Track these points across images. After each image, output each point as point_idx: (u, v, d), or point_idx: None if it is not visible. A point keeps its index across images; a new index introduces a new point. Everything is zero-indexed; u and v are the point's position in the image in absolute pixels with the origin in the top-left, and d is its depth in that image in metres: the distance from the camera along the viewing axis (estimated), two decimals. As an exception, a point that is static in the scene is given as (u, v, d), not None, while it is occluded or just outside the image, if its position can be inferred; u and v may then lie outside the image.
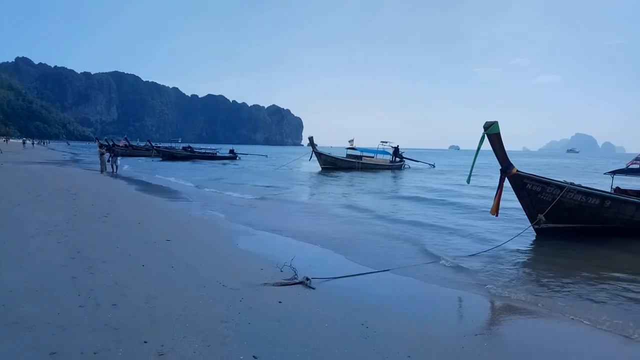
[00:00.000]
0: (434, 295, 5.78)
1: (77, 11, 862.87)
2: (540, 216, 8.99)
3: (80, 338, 3.57)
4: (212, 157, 52.82)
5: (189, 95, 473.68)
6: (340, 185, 24.19)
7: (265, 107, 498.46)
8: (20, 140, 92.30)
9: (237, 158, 54.86)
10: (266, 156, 61.92)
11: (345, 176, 29.82)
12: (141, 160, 45.93)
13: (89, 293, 4.62)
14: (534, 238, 9.47)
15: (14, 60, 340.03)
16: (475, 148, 8.41)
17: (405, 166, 43.21)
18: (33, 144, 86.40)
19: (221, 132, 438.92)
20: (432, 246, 8.61)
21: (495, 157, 8.62)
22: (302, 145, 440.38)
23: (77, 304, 4.31)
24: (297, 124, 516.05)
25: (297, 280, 5.68)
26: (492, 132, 8.12)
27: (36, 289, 4.65)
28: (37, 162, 31.76)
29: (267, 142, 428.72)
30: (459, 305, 5.56)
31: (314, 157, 36.64)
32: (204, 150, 56.57)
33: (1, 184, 14.32)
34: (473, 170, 9.24)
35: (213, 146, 71.78)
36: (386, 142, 41.90)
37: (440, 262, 7.36)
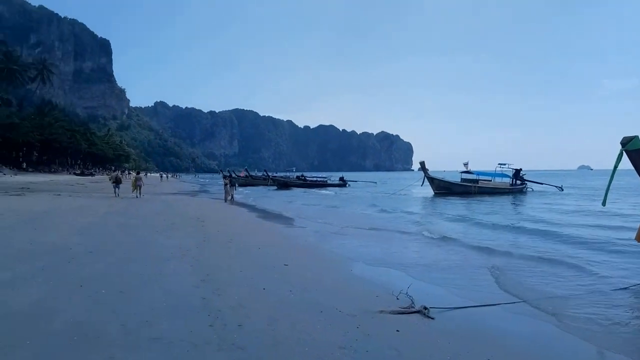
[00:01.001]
0: (566, 339, 5.18)
1: (203, 58, 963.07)
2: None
3: (211, 356, 3.81)
4: (323, 184, 54.27)
5: (302, 127, 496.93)
6: (456, 210, 23.19)
7: (374, 133, 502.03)
8: (158, 174, 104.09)
9: (347, 185, 55.71)
10: (375, 183, 61.86)
11: (460, 201, 28.58)
12: (259, 189, 48.85)
13: (217, 314, 4.94)
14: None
15: (153, 105, 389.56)
16: (612, 167, 7.46)
17: (528, 189, 40.16)
18: (167, 177, 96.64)
19: (332, 160, 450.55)
20: (568, 280, 7.78)
21: (637, 177, 7.57)
22: (413, 170, 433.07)
23: (207, 323, 4.63)
24: (407, 149, 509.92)
25: (414, 309, 5.49)
26: (631, 148, 7.11)
27: (173, 308, 5.10)
28: (171, 193, 35.44)
29: (377, 168, 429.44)
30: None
31: (427, 182, 35.69)
32: (315, 179, 58.40)
33: (145, 213, 16.18)
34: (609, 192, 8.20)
35: (324, 174, 73.80)
36: (504, 164, 39.37)
37: (580, 299, 6.61)
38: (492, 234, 13.77)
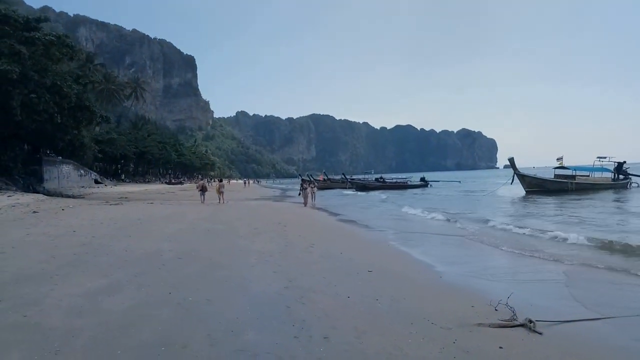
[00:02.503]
0: None
1: (280, 67, 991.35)
2: None
3: (297, 371, 3.59)
4: (403, 186, 53.10)
5: (378, 128, 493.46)
6: (552, 210, 21.42)
7: (455, 131, 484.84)
8: (242, 181, 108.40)
9: (429, 185, 54.00)
10: (459, 182, 59.31)
11: (555, 200, 26.43)
12: (337, 192, 48.82)
13: (302, 324, 4.74)
14: None
15: (234, 115, 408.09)
16: None
17: (633, 184, 36.28)
18: (249, 183, 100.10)
19: (410, 161, 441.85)
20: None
21: None
22: (497, 167, 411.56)
23: (292, 334, 4.44)
24: (491, 146, 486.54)
25: (517, 322, 4.89)
26: None
27: (257, 317, 4.98)
28: (254, 198, 36.51)
29: (459, 167, 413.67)
30: None
31: (517, 180, 33.44)
32: (395, 180, 57.29)
33: (229, 219, 16.64)
34: None
35: (403, 175, 72.24)
36: (604, 158, 35.73)
37: None
38: (600, 235, 12.37)
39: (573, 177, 34.09)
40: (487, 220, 16.51)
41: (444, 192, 41.52)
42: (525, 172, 34.90)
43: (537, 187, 32.95)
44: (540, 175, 34.80)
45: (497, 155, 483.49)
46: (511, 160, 32.97)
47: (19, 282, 6.13)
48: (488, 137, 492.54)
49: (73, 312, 4.90)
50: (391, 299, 5.92)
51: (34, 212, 16.58)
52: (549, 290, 6.80)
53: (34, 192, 27.45)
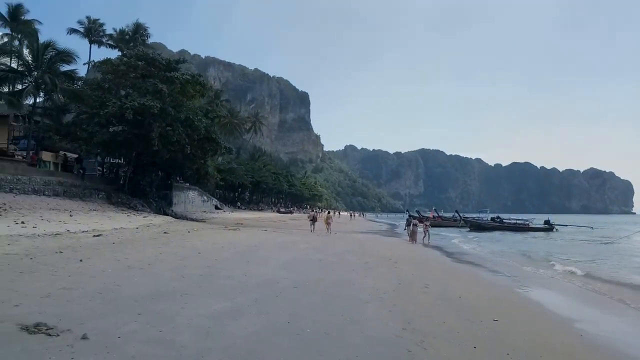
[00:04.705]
0: None
1: (389, 103, 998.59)
2: None
3: None
4: (523, 228, 48.91)
5: (492, 165, 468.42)
6: None
7: (581, 170, 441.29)
8: (348, 213, 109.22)
9: (554, 230, 49.10)
10: (592, 228, 52.83)
11: None
12: (450, 230, 46.50)
13: (427, 372, 4.39)
14: None
15: (343, 148, 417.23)
16: None
17: None
18: (354, 215, 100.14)
19: (528, 201, 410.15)
20: None
21: None
22: (634, 213, 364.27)
23: (417, 382, 4.12)
24: (625, 188, 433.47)
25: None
26: None
27: (377, 357, 4.74)
28: (360, 231, 36.38)
29: (585, 210, 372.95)
30: None
31: None
32: (514, 221, 53.12)
33: (339, 251, 16.69)
34: None
35: (521, 216, 66.76)
36: None
37: None
38: None
39: None
40: None
41: (578, 239, 37.36)
42: None
43: None
44: None
45: (634, 199, 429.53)
46: None
47: (155, 298, 6.61)
48: (622, 178, 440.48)
49: (201, 332, 5.11)
50: (525, 356, 5.28)
51: (165, 232, 18.22)
52: None
53: (164, 214, 30.41)
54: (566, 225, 53.45)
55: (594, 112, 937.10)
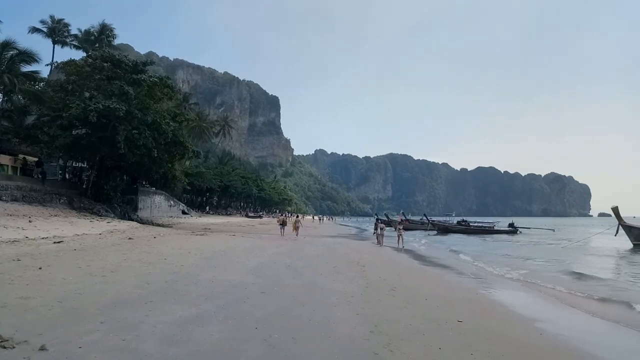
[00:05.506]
0: None
1: (358, 107, 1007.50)
2: None
3: None
4: (489, 231, 50.16)
5: (458, 170, 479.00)
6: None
7: (542, 175, 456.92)
8: (315, 217, 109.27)
9: (518, 232, 50.62)
10: (553, 230, 54.73)
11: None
12: (417, 233, 47.15)
13: (393, 374, 4.45)
14: None
15: (313, 152, 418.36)
16: None
17: None
18: (322, 219, 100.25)
19: (492, 205, 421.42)
20: None
21: None
22: (591, 215, 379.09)
23: (383, 384, 4.17)
24: (583, 192, 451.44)
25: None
26: None
27: (345, 362, 4.78)
28: (330, 235, 36.43)
29: (546, 213, 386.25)
30: None
31: (621, 231, 30.47)
32: (480, 224, 54.43)
33: (308, 255, 16.69)
34: None
35: (485, 219, 68.52)
36: None
37: None
38: None
39: None
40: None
41: (540, 241, 38.49)
42: (634, 223, 31.85)
43: None
44: None
45: (591, 203, 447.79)
46: (615, 209, 30.25)
47: (118, 306, 6.45)
48: (580, 182, 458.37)
49: (166, 339, 5.02)
50: (488, 356, 5.43)
51: (130, 238, 17.78)
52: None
53: (129, 220, 29.68)
54: (529, 228, 55.15)
55: (555, 119, 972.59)
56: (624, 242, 30.44)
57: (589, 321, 8.28)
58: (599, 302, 10.34)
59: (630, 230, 30.51)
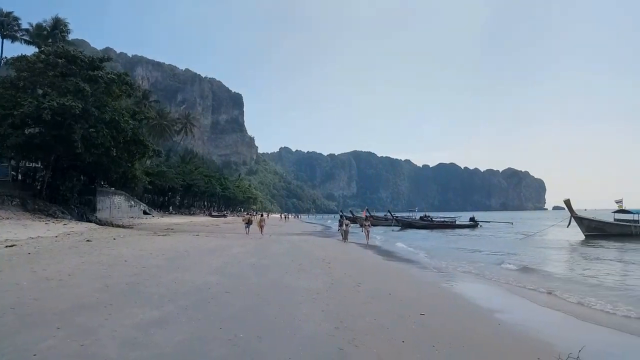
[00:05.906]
0: None
1: (323, 104, 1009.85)
2: None
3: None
4: (450, 225, 51.53)
5: (420, 166, 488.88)
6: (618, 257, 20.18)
7: (500, 170, 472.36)
8: (282, 215, 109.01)
9: (478, 226, 52.23)
10: (512, 223, 56.86)
11: (618, 245, 24.97)
12: (381, 229, 47.84)
13: (358, 369, 4.52)
14: None
15: (278, 150, 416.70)
16: None
17: None
18: (287, 217, 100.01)
19: (453, 200, 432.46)
20: None
21: None
22: (546, 209, 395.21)
23: (348, 379, 4.22)
24: (538, 187, 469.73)
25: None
26: None
27: (310, 358, 4.80)
28: (296, 233, 36.43)
29: (504, 207, 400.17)
30: None
31: (573, 223, 32.02)
32: (442, 219, 55.76)
33: (273, 253, 16.63)
34: None
35: (446, 214, 70.30)
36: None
37: None
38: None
39: (637, 221, 32.30)
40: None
41: (499, 234, 39.82)
42: (585, 215, 33.53)
43: (597, 230, 31.54)
44: (600, 218, 33.21)
45: (546, 196, 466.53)
46: (567, 202, 31.75)
47: (75, 310, 6.24)
48: (535, 177, 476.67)
49: (127, 343, 4.90)
50: (448, 346, 5.59)
51: (88, 240, 17.19)
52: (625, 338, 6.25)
53: (87, 221, 28.66)
54: (489, 222, 56.93)
55: (513, 116, 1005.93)
56: (577, 234, 32.01)
57: (544, 313, 8.61)
58: (550, 295, 10.78)
59: (581, 221, 32.12)
